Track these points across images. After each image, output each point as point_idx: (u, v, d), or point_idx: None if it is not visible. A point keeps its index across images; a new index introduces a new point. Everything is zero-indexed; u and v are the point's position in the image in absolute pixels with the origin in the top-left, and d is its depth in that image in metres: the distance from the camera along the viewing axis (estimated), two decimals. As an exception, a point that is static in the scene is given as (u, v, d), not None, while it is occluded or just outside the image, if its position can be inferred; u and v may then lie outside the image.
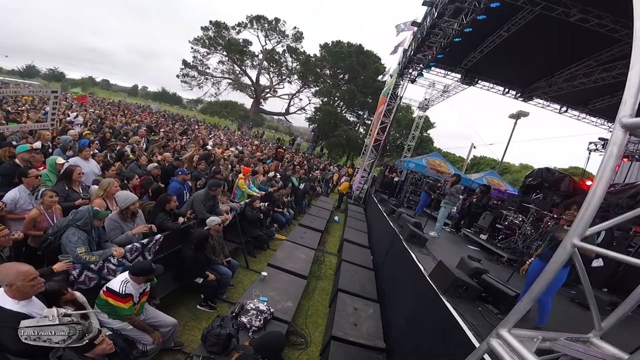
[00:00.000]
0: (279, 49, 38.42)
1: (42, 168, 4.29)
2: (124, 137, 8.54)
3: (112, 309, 2.77)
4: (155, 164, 5.90)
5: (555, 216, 6.00)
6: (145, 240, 3.51)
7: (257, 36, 37.70)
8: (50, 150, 5.64)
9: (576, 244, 1.40)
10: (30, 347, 1.95)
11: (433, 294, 3.49)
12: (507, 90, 14.07)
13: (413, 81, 14.69)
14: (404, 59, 13.10)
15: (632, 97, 1.23)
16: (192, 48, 37.31)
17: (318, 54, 37.31)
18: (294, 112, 40.92)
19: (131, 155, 6.49)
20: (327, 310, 5.12)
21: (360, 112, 37.86)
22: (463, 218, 9.13)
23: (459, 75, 14.09)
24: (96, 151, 5.64)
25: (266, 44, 37.99)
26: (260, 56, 38.30)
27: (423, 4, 8.89)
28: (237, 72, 39.53)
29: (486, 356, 1.94)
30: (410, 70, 13.71)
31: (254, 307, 3.62)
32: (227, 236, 5.54)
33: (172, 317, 3.35)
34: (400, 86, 14.16)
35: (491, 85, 14.14)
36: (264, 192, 7.43)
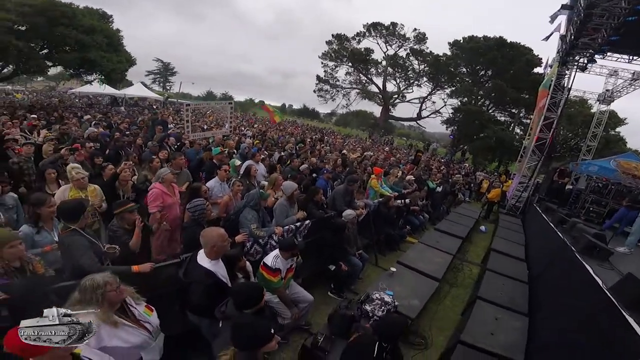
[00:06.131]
0: (402, 53, 37.25)
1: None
2: (280, 145, 10.89)
3: (266, 283, 3.25)
4: (306, 165, 7.15)
5: None
6: (298, 224, 4.20)
7: (377, 43, 37.69)
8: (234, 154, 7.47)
9: None
10: (206, 304, 2.42)
11: (611, 309, 2.89)
12: None
13: (583, 69, 11.65)
14: (563, 45, 10.84)
15: None
16: (322, 63, 40.10)
17: (448, 53, 34.20)
18: (427, 116, 38.75)
19: (288, 161, 7.97)
20: (458, 317, 4.74)
21: (513, 110, 32.12)
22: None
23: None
24: (263, 156, 7.17)
25: (387, 49, 37.52)
26: (384, 63, 37.96)
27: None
28: (364, 81, 40.22)
29: None
30: (577, 57, 11.03)
31: (379, 297, 3.68)
32: (360, 231, 5.78)
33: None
34: (566, 76, 11.56)
35: None
36: (396, 193, 7.40)
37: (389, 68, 38.24)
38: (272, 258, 3.24)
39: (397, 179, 8.46)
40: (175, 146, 6.99)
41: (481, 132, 29.33)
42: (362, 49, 37.98)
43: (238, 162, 6.07)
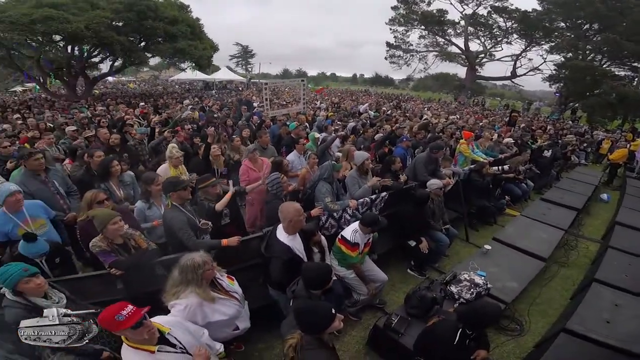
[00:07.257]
0: (482, 11, 33.49)
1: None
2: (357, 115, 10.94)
3: (343, 257, 3.16)
4: (381, 134, 6.81)
5: None
6: (373, 196, 3.94)
7: (451, 3, 34.20)
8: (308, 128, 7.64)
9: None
10: (284, 280, 2.40)
11: None
12: None
13: None
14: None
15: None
16: (390, 29, 37.91)
17: (538, 8, 30.09)
18: (524, 74, 34.05)
19: (362, 131, 7.62)
20: (566, 302, 4.01)
21: (635, 64, 26.85)
22: None
23: None
24: (336, 127, 7.21)
25: (464, 9, 34.03)
26: (462, 22, 34.57)
27: None
28: (442, 43, 37.39)
29: None
30: None
31: (468, 278, 3.26)
32: (448, 203, 5.23)
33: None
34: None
35: None
36: (491, 159, 6.43)
37: (469, 28, 34.88)
38: (350, 232, 3.12)
39: (491, 142, 7.36)
40: (255, 125, 7.34)
41: (595, 88, 25.31)
42: (434, 11, 35.02)
43: (317, 135, 6.13)
